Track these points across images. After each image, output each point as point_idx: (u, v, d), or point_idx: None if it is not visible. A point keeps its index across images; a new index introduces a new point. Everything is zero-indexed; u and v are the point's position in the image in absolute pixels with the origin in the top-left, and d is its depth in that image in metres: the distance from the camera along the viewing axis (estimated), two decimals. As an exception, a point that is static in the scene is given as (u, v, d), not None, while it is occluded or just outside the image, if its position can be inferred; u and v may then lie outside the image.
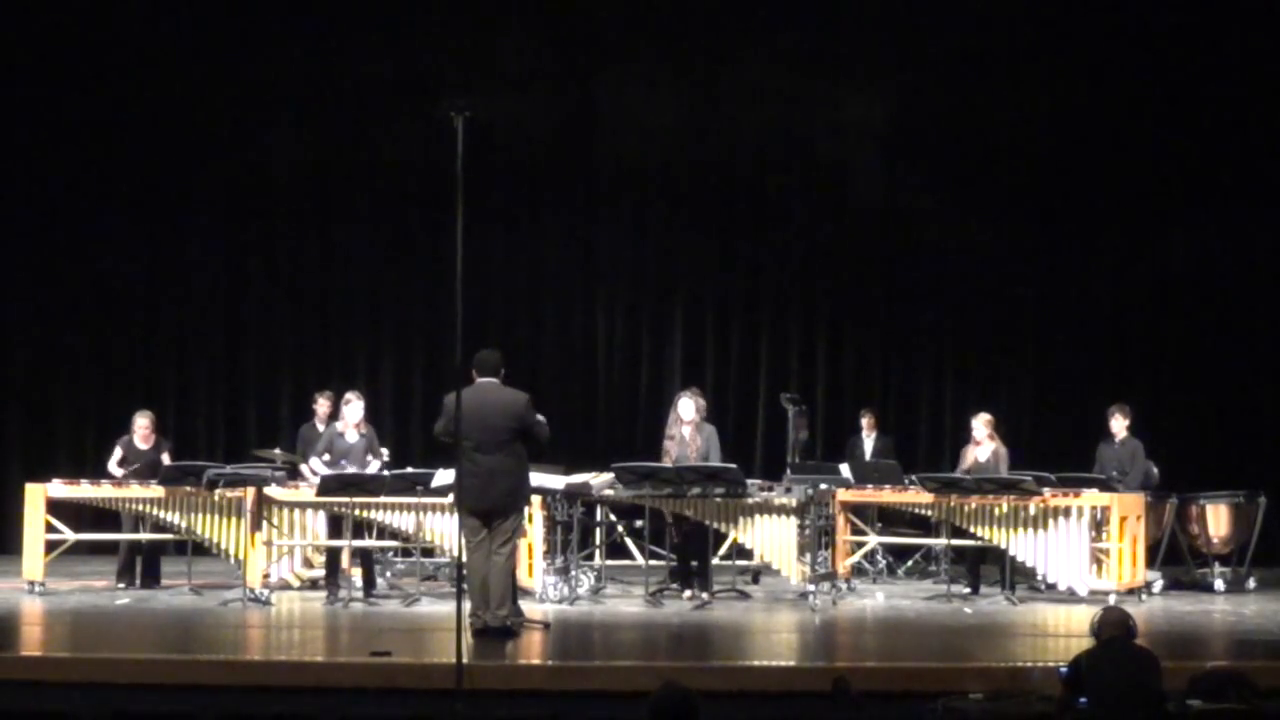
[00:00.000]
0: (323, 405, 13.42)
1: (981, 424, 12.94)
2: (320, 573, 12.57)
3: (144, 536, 12.89)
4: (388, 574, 13.21)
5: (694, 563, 12.33)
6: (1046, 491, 12.18)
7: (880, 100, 16.06)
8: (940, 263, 16.16)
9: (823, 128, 16.17)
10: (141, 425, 13.19)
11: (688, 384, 13.86)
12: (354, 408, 12.49)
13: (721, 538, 12.48)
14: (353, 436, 12.47)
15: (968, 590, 12.64)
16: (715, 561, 12.56)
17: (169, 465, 12.68)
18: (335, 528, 12.24)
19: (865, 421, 14.82)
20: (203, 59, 15.91)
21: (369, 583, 12.42)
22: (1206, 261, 15.74)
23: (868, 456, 14.44)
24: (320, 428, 13.24)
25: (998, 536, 12.16)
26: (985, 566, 12.90)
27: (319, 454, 12.52)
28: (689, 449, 12.32)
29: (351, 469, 12.24)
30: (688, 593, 12.17)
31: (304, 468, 12.94)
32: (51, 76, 15.86)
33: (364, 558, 12.45)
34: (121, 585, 12.91)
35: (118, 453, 13.16)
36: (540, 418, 10.52)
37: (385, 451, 12.95)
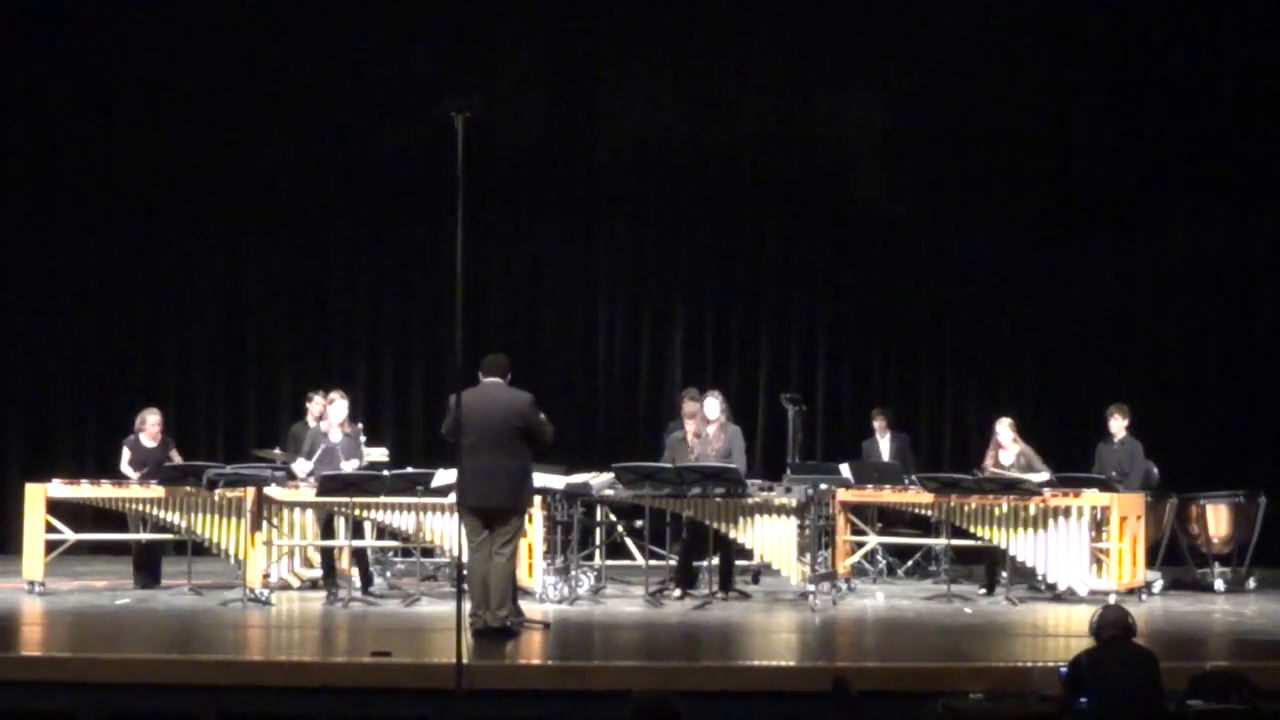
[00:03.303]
0: (317, 405, 13.41)
1: (1006, 427, 12.87)
2: (320, 573, 12.56)
3: (144, 536, 12.88)
4: (388, 574, 13.20)
5: (705, 562, 12.29)
6: (1046, 491, 12.17)
7: (880, 100, 16.07)
8: (940, 263, 16.17)
9: (823, 128, 16.17)
10: (151, 423, 13.10)
11: (688, 384, 13.90)
12: (338, 407, 12.41)
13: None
14: (336, 436, 12.40)
15: (983, 590, 12.65)
16: (714, 561, 12.56)
17: (169, 465, 12.65)
18: (327, 527, 12.23)
19: (878, 424, 14.50)
20: (202, 59, 15.90)
21: (366, 580, 12.41)
22: (1206, 261, 15.74)
23: (885, 458, 14.19)
24: (313, 425, 13.24)
25: (998, 536, 12.15)
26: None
27: (305, 454, 12.43)
28: (710, 448, 12.30)
29: (328, 469, 12.11)
30: (688, 592, 12.16)
31: (293, 467, 12.87)
32: (50, 78, 15.85)
33: (358, 556, 12.44)
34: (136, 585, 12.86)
35: (126, 453, 13.11)
36: (544, 418, 10.53)
37: (383, 451, 12.91)
